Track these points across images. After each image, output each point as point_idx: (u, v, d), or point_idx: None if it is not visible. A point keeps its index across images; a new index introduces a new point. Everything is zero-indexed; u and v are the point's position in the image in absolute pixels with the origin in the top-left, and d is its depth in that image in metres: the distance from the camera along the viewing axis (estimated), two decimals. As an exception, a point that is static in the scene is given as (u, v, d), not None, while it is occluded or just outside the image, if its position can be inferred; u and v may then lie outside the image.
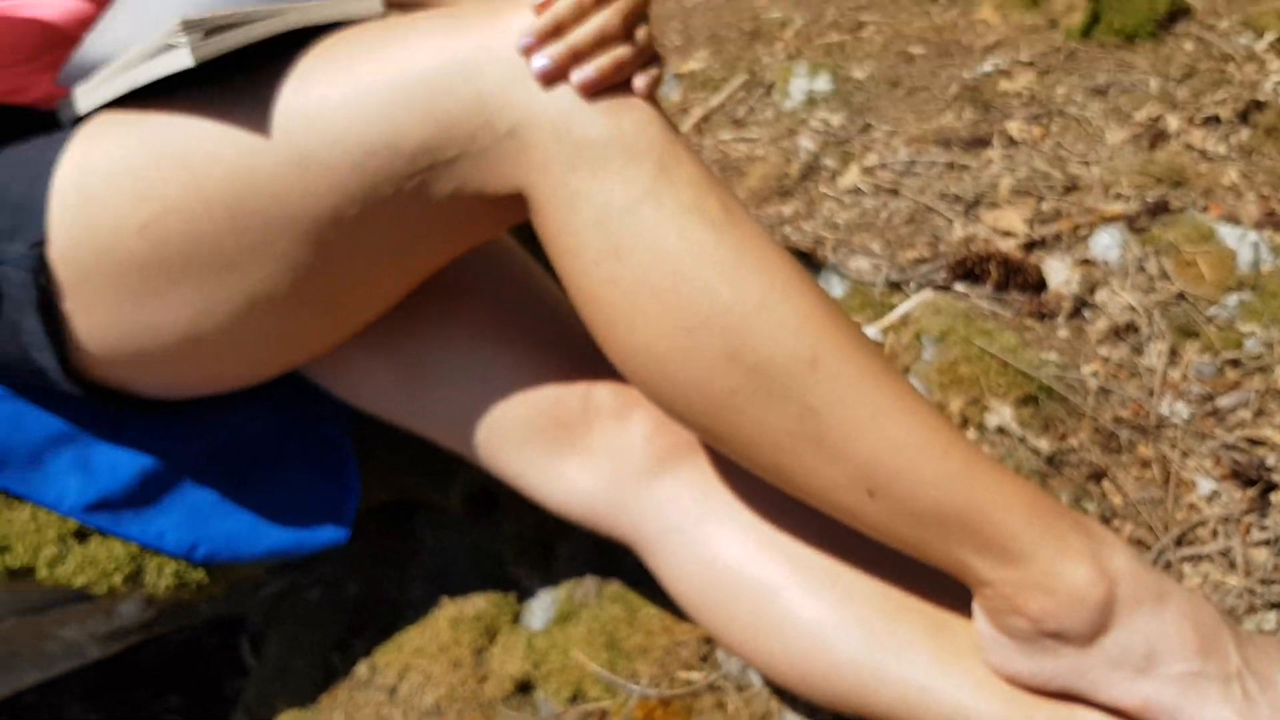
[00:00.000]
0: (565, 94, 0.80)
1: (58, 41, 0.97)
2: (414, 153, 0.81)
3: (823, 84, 2.02)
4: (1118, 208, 1.60)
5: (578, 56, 0.80)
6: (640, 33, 0.84)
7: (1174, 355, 1.42)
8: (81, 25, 0.97)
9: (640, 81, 0.82)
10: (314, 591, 1.24)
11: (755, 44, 2.21)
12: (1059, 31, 1.98)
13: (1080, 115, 1.80)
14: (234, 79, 0.85)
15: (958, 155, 1.77)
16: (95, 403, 1.00)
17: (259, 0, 0.86)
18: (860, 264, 1.59)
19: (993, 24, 2.05)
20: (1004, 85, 1.89)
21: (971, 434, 1.29)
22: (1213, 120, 1.76)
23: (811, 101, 2.01)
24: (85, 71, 0.92)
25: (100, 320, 0.92)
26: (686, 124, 2.06)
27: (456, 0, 0.98)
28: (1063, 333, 1.45)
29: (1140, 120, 1.78)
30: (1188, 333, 1.44)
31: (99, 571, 1.01)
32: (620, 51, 0.81)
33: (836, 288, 1.50)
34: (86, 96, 0.90)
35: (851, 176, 1.79)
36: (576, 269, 0.83)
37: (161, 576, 1.03)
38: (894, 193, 1.73)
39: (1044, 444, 1.30)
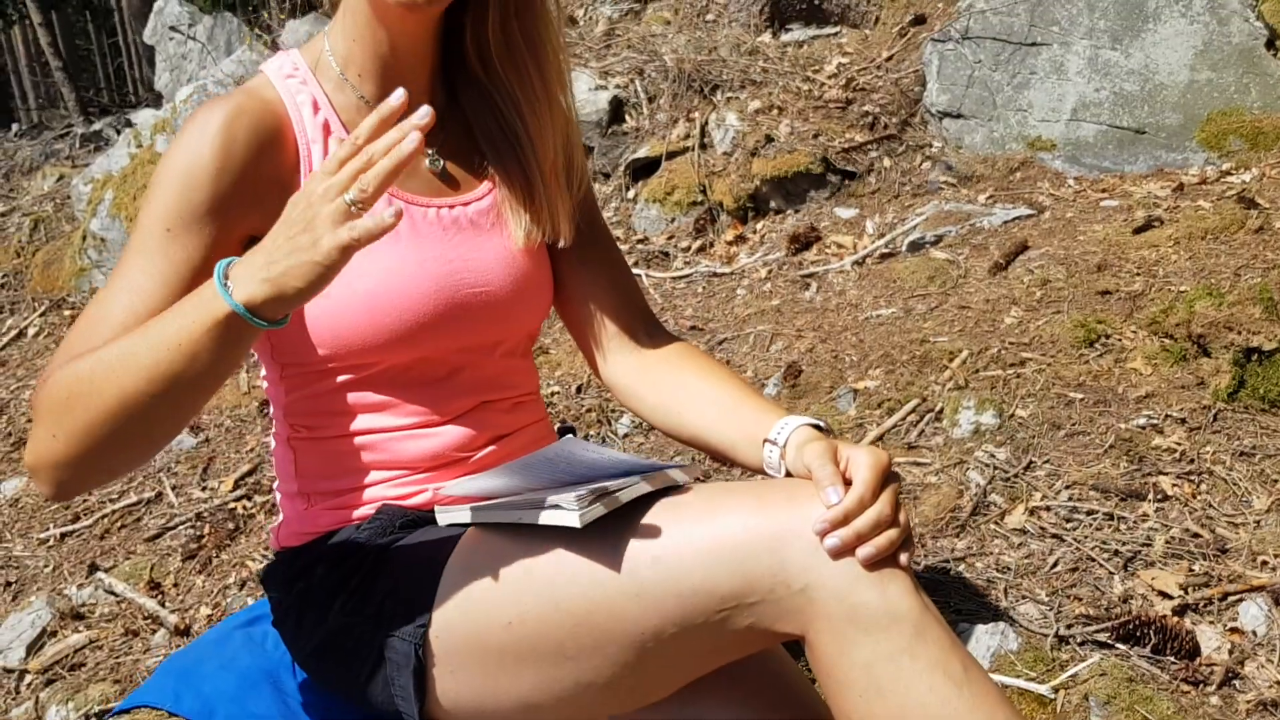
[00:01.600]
0: (848, 565, 1.06)
1: (443, 463, 1.29)
2: (724, 596, 1.09)
3: (989, 418, 2.28)
4: (1264, 578, 1.80)
5: (860, 538, 1.07)
6: (902, 515, 1.11)
7: (1317, 730, 1.59)
8: (461, 449, 1.29)
9: (903, 557, 1.09)
10: None
11: (925, 369, 2.49)
12: (1207, 390, 2.21)
13: (1227, 476, 2.02)
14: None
15: (1115, 506, 2.00)
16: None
17: (609, 465, 1.16)
18: (1029, 611, 1.80)
19: (1145, 374, 2.30)
20: (1156, 440, 2.12)
21: (1134, 798, 1.48)
22: (1351, 493, 1.95)
23: (979, 433, 2.26)
24: (469, 492, 1.22)
25: (457, 685, 1.20)
26: (865, 440, 2.33)
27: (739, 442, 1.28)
28: (1214, 700, 1.64)
29: (1283, 487, 1.98)
30: (1330, 709, 1.61)
31: None
32: (892, 533, 1.08)
33: (1011, 640, 1.72)
34: (477, 514, 1.21)
35: (1018, 517, 2.02)
36: (843, 697, 1.08)
37: None
38: (1058, 539, 1.95)
39: (1199, 812, 1.48)
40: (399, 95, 0.97)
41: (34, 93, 25.56)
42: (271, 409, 1.37)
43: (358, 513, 1.29)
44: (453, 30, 1.30)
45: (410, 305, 1.24)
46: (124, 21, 25.19)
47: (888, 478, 1.12)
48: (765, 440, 1.23)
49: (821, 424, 1.24)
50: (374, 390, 1.29)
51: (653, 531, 1.12)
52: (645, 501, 1.15)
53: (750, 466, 1.28)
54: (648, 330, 1.45)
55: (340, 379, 1.28)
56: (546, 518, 1.12)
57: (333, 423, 1.30)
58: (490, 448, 1.36)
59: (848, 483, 1.11)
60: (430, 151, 1.32)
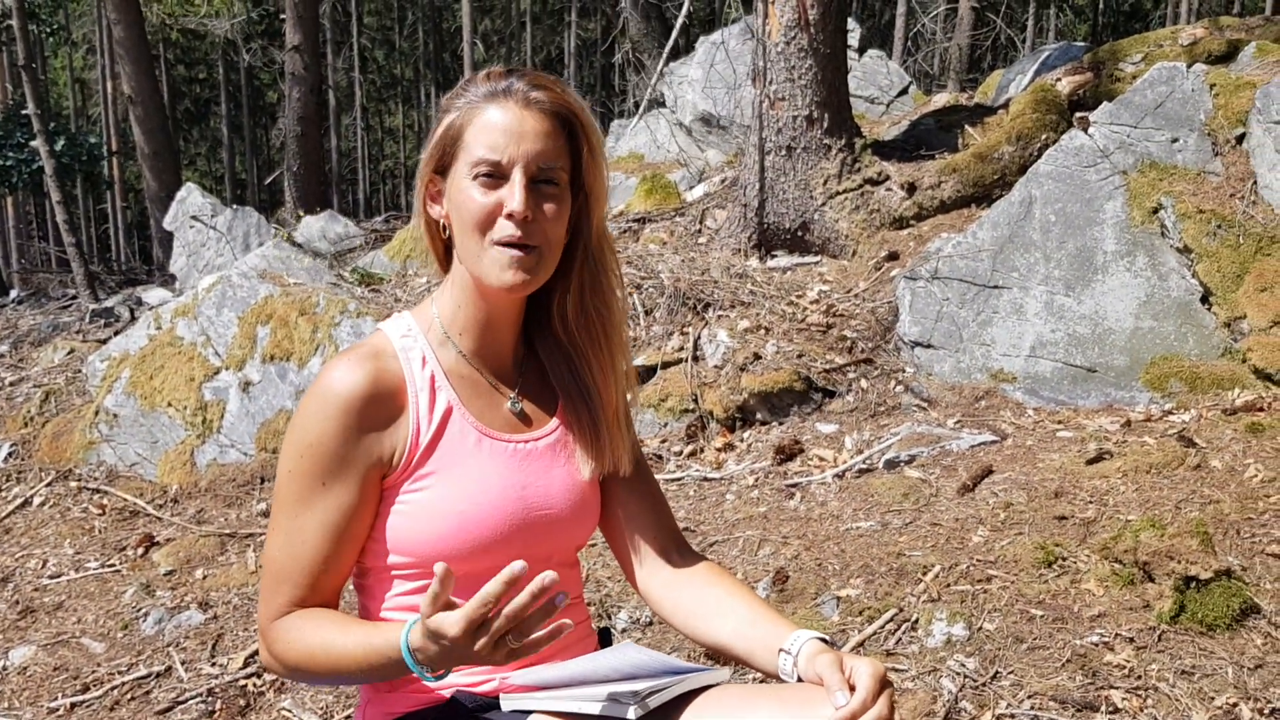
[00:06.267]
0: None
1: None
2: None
3: (959, 630, 2.53)
4: (1203, 787, 2.03)
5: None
6: (896, 717, 1.36)
7: None
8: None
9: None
10: None
11: (902, 581, 2.76)
12: (1152, 613, 2.48)
13: (1171, 693, 2.27)
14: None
15: (1072, 716, 2.23)
16: None
17: (658, 666, 1.41)
18: (996, 810, 2.02)
19: (1097, 595, 2.57)
20: (1108, 657, 2.38)
21: None
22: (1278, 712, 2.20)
23: (950, 643, 2.51)
24: (533, 682, 1.46)
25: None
26: (847, 646, 2.57)
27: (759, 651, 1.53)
28: None
29: (1220, 704, 2.23)
30: None
31: None
32: None
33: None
34: (541, 702, 1.44)
35: (986, 723, 2.25)
36: None
37: None
38: (1021, 747, 2.18)
39: None
40: (520, 566, 1.23)
41: (17, 253, 26.07)
42: (359, 608, 1.61)
43: (434, 697, 1.51)
44: (534, 295, 1.61)
45: (490, 524, 1.50)
46: (114, 195, 26.00)
47: (884, 684, 1.37)
48: (781, 650, 1.48)
49: (827, 638, 1.49)
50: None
51: None
52: (687, 698, 1.39)
53: (766, 671, 1.52)
54: (678, 549, 1.71)
55: (418, 584, 1.52)
56: (605, 709, 1.35)
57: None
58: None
59: (852, 688, 1.35)
60: (512, 395, 1.61)
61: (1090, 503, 2.94)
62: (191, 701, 3.06)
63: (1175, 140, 4.14)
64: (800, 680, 1.47)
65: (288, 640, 1.42)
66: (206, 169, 33.06)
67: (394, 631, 1.33)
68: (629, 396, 1.68)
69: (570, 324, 1.60)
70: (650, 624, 2.93)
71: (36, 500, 4.85)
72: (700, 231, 5.38)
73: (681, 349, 4.27)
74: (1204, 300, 3.78)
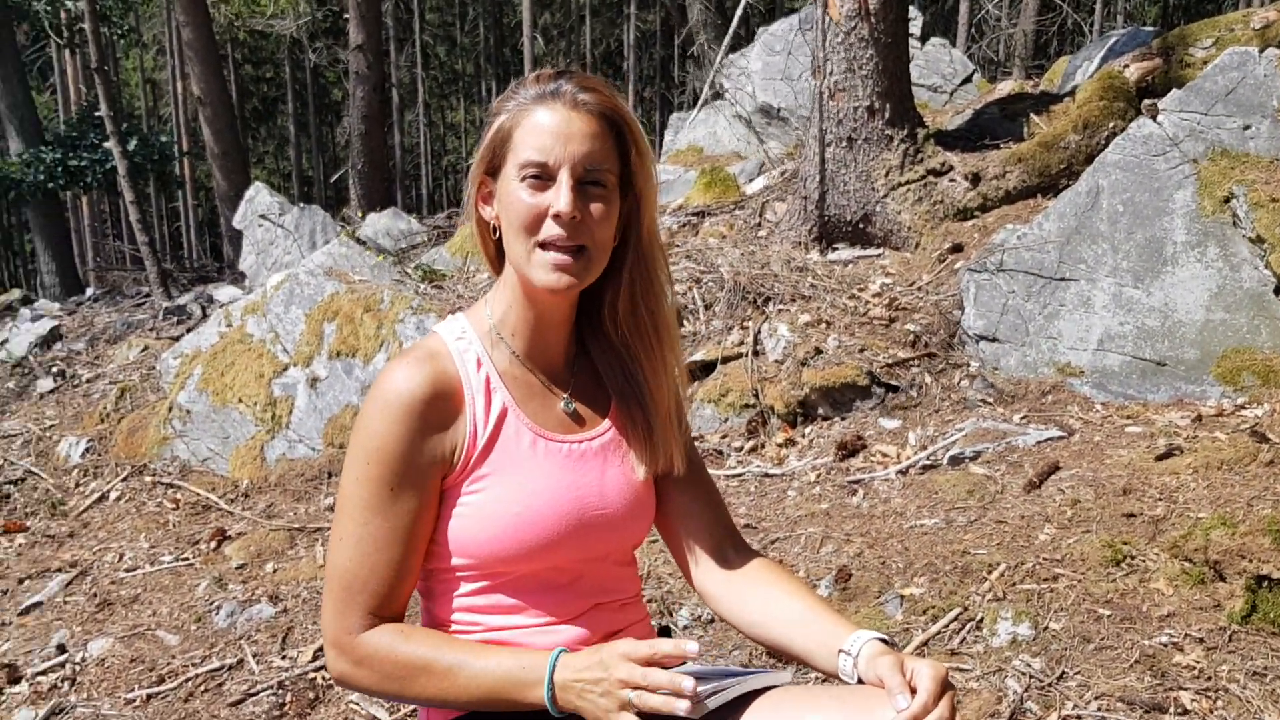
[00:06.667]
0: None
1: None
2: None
3: (1025, 630, 2.50)
4: (1277, 791, 1.99)
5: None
6: (958, 719, 1.35)
7: None
8: (580, 644, 1.54)
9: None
10: None
11: (966, 579, 2.73)
12: (1223, 612, 2.43)
13: (1242, 695, 2.22)
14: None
15: (1140, 718, 2.20)
16: None
17: (723, 670, 1.42)
18: (1062, 813, 1.99)
19: (1166, 594, 2.52)
20: (1177, 658, 2.34)
21: None
22: (1357, 716, 2.15)
23: (1015, 643, 2.48)
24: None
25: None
26: (910, 646, 2.55)
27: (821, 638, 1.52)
28: None
29: (1295, 713, 2.18)
30: None
31: None
32: None
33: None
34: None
35: (1051, 724, 2.23)
36: None
37: None
38: (1088, 747, 2.15)
39: None
40: (693, 648, 1.31)
41: (92, 252, 26.72)
42: (422, 611, 1.63)
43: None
44: (586, 296, 1.62)
45: (546, 525, 1.52)
46: (185, 194, 26.54)
47: (945, 686, 1.37)
48: (840, 651, 1.48)
49: (887, 638, 1.49)
50: (507, 594, 1.56)
51: None
52: (747, 699, 1.40)
53: (825, 671, 1.52)
54: (735, 546, 1.71)
55: (479, 584, 1.54)
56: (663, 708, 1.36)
57: (475, 621, 1.56)
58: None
59: (913, 690, 1.35)
60: (565, 395, 1.62)
61: (1160, 500, 2.89)
62: (263, 694, 3.12)
63: (1247, 127, 4.03)
64: (861, 682, 1.47)
65: (383, 655, 1.43)
66: (274, 167, 33.59)
67: (536, 657, 1.41)
68: (682, 395, 1.68)
69: (621, 324, 1.61)
70: (711, 622, 2.93)
71: (113, 495, 4.98)
72: (760, 224, 5.36)
73: (742, 343, 4.27)
74: (1278, 291, 3.69)
